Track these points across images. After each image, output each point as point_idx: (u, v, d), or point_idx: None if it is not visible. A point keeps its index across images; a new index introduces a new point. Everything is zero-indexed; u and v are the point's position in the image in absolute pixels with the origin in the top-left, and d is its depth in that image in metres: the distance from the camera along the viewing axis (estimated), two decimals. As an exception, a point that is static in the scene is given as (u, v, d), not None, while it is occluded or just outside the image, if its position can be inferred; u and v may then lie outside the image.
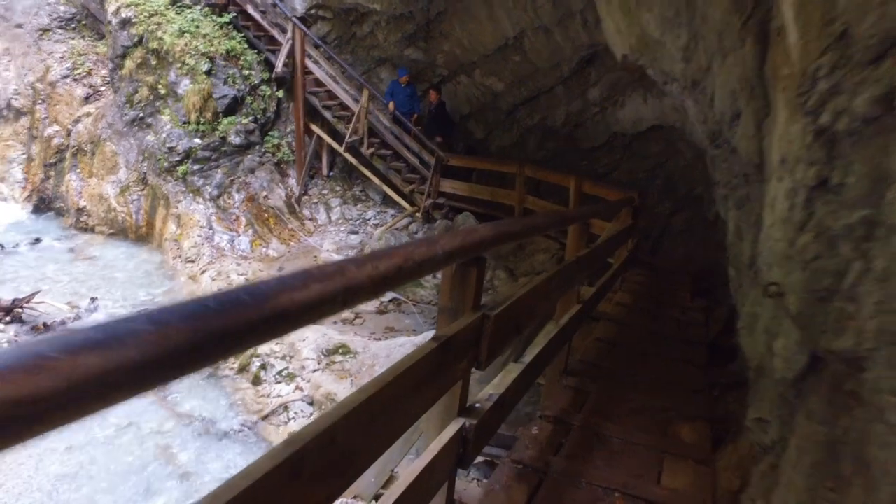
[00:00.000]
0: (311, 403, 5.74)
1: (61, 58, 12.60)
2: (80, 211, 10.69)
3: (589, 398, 3.31)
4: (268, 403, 5.85)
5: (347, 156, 10.65)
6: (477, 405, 1.94)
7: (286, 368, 6.16)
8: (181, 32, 9.91)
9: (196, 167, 9.75)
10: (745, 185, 2.94)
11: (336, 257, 9.15)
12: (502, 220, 1.90)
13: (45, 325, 7.28)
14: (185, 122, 9.75)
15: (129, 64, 10.36)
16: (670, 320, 5.43)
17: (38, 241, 10.07)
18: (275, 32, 10.42)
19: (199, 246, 9.22)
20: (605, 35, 4.88)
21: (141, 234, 10.19)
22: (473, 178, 11.21)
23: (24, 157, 12.64)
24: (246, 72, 10.30)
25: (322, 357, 6.21)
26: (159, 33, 9.98)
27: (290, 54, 10.17)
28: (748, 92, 2.55)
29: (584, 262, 3.04)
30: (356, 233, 10.54)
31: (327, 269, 0.89)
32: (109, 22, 10.65)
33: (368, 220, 10.95)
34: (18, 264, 9.27)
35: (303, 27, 9.79)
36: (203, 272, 8.69)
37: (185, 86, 9.78)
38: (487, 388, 2.27)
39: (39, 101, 12.47)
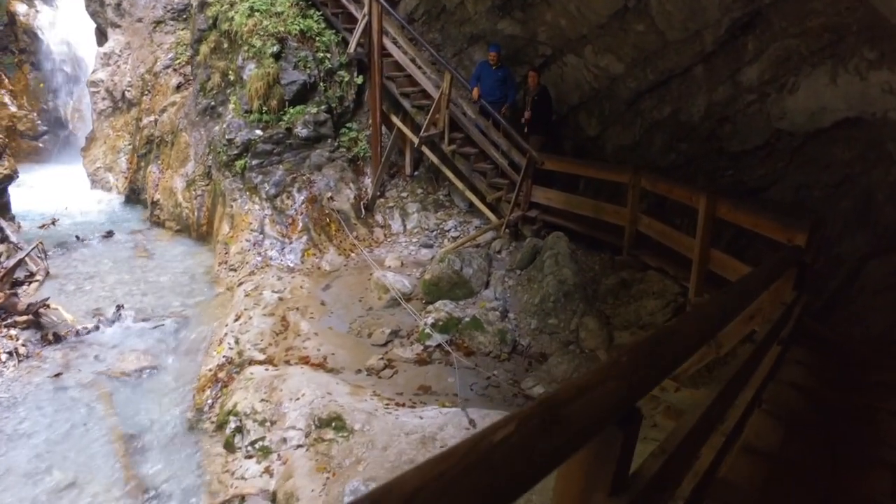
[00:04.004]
0: (272, 502, 4.09)
1: (168, 48, 12.43)
2: (154, 204, 10.24)
3: None
4: (227, 487, 4.31)
5: (426, 151, 8.98)
6: None
7: (263, 438, 4.60)
8: (252, 11, 8.87)
9: (255, 162, 8.66)
10: None
11: (391, 277, 7.48)
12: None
13: (55, 335, 6.52)
14: (246, 112, 8.70)
15: (203, 49, 9.62)
16: None
17: (110, 234, 9.72)
18: (352, 8, 9.02)
19: (245, 252, 8.11)
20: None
21: (202, 233, 9.41)
22: (581, 186, 8.91)
23: (130, 147, 12.71)
24: (321, 54, 9.02)
25: (312, 427, 4.55)
26: (231, 13, 9.05)
27: (367, 32, 8.70)
28: None
29: None
30: (430, 246, 8.81)
31: None
32: (191, 5, 10.02)
33: (447, 231, 9.15)
34: (81, 259, 8.89)
35: (378, -1, 8.23)
36: (240, 284, 7.52)
37: (250, 70, 8.73)
38: None
39: (146, 92, 12.39)
